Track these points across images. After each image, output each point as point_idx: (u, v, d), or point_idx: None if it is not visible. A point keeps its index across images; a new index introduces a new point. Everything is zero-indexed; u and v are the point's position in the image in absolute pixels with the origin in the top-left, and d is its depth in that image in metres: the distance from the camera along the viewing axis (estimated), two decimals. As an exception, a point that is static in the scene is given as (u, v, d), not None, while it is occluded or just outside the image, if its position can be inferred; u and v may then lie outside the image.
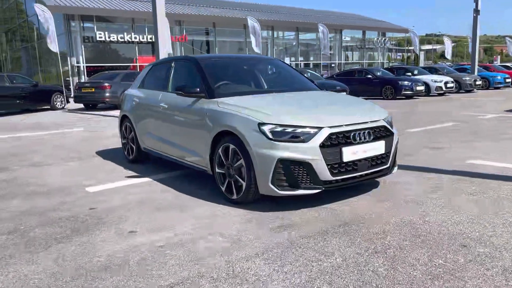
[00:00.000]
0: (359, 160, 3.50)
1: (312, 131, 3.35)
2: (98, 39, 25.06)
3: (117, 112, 10.38)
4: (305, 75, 5.79)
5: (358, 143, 3.47)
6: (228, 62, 5.26)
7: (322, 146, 3.32)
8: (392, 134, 3.78)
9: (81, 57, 24.83)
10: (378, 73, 17.68)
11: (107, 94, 14.23)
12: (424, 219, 3.12)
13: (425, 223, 3.03)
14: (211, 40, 30.65)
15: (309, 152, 3.30)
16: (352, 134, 3.46)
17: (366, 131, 3.54)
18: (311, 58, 38.17)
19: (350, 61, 40.16)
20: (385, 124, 3.75)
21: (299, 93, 4.53)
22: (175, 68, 4.91)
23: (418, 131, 7.55)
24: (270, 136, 3.34)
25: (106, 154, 6.23)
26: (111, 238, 2.95)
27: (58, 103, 15.56)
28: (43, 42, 23.84)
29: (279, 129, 3.37)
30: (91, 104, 15.32)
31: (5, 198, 4.10)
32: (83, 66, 24.88)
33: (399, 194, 3.78)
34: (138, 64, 25.75)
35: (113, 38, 25.55)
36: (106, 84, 14.25)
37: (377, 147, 3.61)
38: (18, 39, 34.08)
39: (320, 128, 3.37)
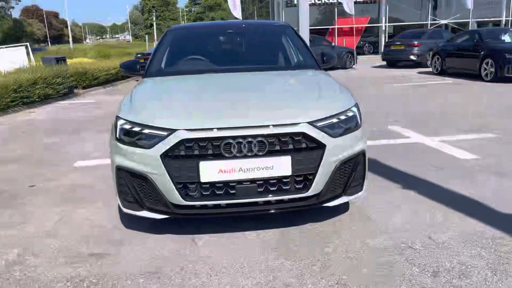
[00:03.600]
0: (238, 182, 2.55)
1: (162, 134, 2.53)
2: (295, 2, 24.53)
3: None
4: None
5: (235, 157, 2.50)
6: (205, 32, 4.61)
7: (167, 156, 2.50)
8: (321, 146, 2.59)
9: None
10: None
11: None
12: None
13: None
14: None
15: (148, 162, 2.54)
16: (224, 143, 2.48)
17: (255, 140, 2.48)
18: None
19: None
20: (310, 130, 2.56)
21: (253, 74, 3.57)
22: None
23: None
24: (117, 135, 2.72)
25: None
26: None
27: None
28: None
29: (127, 126, 2.68)
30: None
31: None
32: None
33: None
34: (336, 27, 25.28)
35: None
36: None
37: (275, 165, 2.53)
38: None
39: (173, 130, 2.51)
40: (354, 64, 17.20)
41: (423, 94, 9.41)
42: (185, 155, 2.51)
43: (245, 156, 2.50)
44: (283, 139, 2.55)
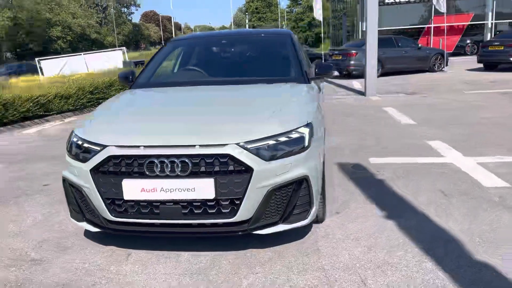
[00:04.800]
0: (162, 202, 2.47)
1: (96, 149, 2.57)
2: (387, 0, 23.58)
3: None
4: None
5: (158, 177, 2.43)
6: (202, 42, 4.60)
7: (97, 171, 2.52)
8: (248, 170, 2.41)
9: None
10: None
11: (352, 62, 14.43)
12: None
13: None
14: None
15: (82, 175, 2.59)
16: (148, 162, 2.44)
17: (178, 160, 2.41)
18: None
19: None
20: (237, 152, 2.40)
21: (227, 89, 3.45)
22: None
23: None
24: (69, 148, 2.79)
25: None
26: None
27: None
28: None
29: (75, 139, 2.76)
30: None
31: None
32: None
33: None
34: (433, 26, 21.80)
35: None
36: (353, 52, 14.41)
37: (196, 187, 2.41)
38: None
39: (104, 146, 2.54)
40: (444, 67, 15.70)
41: (497, 104, 8.23)
42: (112, 172, 2.52)
43: (167, 176, 2.43)
44: (208, 161, 2.43)
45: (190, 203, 2.48)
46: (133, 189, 2.47)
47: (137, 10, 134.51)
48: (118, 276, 2.55)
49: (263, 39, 4.43)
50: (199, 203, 2.48)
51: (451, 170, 4.25)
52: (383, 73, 14.71)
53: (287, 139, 2.56)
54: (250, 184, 2.43)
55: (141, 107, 3.25)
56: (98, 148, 2.56)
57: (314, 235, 2.95)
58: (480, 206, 3.29)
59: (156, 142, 2.50)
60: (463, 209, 3.27)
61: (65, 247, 2.96)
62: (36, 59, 17.68)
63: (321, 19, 16.31)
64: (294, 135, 2.60)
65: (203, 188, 2.42)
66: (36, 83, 11.41)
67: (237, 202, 2.46)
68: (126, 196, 2.49)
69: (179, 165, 2.42)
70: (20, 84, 12.15)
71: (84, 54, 17.22)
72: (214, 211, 2.49)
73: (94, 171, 2.55)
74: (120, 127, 2.80)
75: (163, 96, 3.51)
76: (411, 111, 7.76)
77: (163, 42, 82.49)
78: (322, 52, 16.82)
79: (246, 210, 2.47)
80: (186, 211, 2.49)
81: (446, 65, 15.91)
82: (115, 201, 2.56)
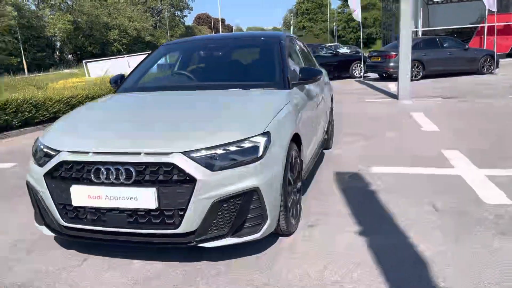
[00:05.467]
0: (106, 210, 2.44)
1: (52, 154, 2.57)
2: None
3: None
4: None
5: (103, 184, 2.39)
6: (192, 47, 4.50)
7: (51, 176, 2.53)
8: (192, 180, 2.31)
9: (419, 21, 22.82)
10: None
11: (391, 64, 13.64)
12: None
13: None
14: None
15: (38, 180, 2.61)
16: (95, 168, 2.41)
17: (122, 168, 2.36)
18: None
19: None
20: (181, 162, 2.31)
21: (204, 94, 3.39)
22: None
23: None
24: (33, 153, 2.78)
25: None
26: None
27: (357, 72, 16.07)
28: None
29: (38, 144, 2.77)
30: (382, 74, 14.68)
31: None
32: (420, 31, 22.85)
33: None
34: (486, 25, 20.09)
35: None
36: (393, 53, 13.56)
37: (138, 196, 2.34)
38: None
39: (58, 151, 2.54)
40: (494, 69, 14.64)
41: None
42: (63, 177, 2.52)
43: (112, 184, 2.40)
44: (151, 169, 2.37)
45: (135, 212, 2.42)
46: (81, 195, 2.45)
47: (189, 13, 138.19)
48: (67, 280, 2.54)
49: (251, 43, 4.32)
50: (143, 212, 2.41)
51: (455, 183, 3.90)
52: (425, 76, 13.98)
53: (237, 148, 2.45)
54: (193, 195, 2.33)
55: (105, 113, 3.24)
56: (54, 154, 2.58)
57: (276, 248, 2.80)
58: (469, 228, 2.97)
59: (105, 148, 2.48)
60: (449, 229, 2.96)
61: (35, 248, 3.00)
62: (84, 61, 18.66)
63: (359, 19, 15.75)
64: (247, 145, 2.47)
65: (145, 197, 2.35)
66: (76, 84, 11.94)
67: (181, 213, 2.37)
68: (75, 202, 2.48)
69: (124, 172, 2.38)
70: (69, 84, 12.82)
71: (127, 56, 17.92)
72: (158, 221, 2.41)
73: (48, 176, 2.57)
74: (76, 133, 2.81)
75: (131, 101, 3.49)
76: (440, 117, 7.27)
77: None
78: (362, 54, 16.25)
79: (190, 222, 2.38)
80: (131, 220, 2.44)
81: (497, 67, 14.84)
82: (66, 206, 2.55)
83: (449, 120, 6.93)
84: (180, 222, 2.38)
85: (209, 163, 2.37)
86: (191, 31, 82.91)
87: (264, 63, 3.90)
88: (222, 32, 72.29)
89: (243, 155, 2.45)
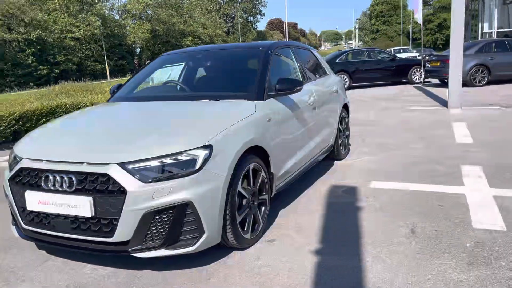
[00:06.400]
0: (54, 216, 2.58)
1: (17, 160, 2.78)
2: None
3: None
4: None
5: (50, 191, 2.55)
6: (186, 57, 4.56)
7: (13, 181, 2.75)
8: (123, 191, 2.37)
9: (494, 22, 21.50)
10: None
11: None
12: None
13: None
14: None
15: (6, 184, 2.84)
16: (45, 176, 2.58)
17: (66, 176, 2.50)
18: None
19: None
20: (115, 172, 2.40)
21: (179, 104, 3.44)
22: None
23: None
24: (9, 157, 3.02)
25: None
26: None
27: (417, 77, 15.40)
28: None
29: (12, 150, 2.98)
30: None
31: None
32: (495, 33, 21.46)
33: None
34: None
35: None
36: None
37: (78, 204, 2.46)
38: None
39: (21, 158, 2.75)
40: None
41: None
42: (21, 182, 2.72)
43: (58, 191, 2.55)
44: (90, 179, 2.49)
45: (77, 218, 2.54)
46: (33, 200, 2.63)
47: (261, 18, 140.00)
48: (27, 279, 2.73)
49: (238, 54, 4.28)
50: (83, 220, 2.52)
51: (454, 203, 3.55)
52: (491, 81, 12.84)
53: (173, 161, 2.48)
54: (124, 205, 2.40)
55: (73, 123, 3.41)
56: (18, 160, 2.79)
57: (222, 261, 2.76)
58: (436, 254, 2.70)
59: (54, 157, 2.63)
60: (412, 254, 2.71)
61: (12, 246, 3.26)
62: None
63: (420, 21, 14.86)
64: (184, 158, 2.50)
65: (82, 206, 2.47)
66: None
67: (115, 222, 2.45)
68: (28, 207, 2.67)
69: (67, 181, 2.52)
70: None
71: (187, 62, 18.67)
72: (96, 228, 2.51)
73: (12, 180, 2.79)
74: (38, 141, 3.00)
75: (102, 112, 3.63)
76: (483, 128, 6.65)
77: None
78: (421, 58, 15.30)
79: (123, 231, 2.45)
80: (75, 226, 2.56)
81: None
82: (24, 210, 2.74)
83: (490, 132, 6.31)
84: (115, 231, 2.45)
85: (143, 175, 2.42)
86: (263, 36, 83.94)
87: (243, 74, 3.88)
88: (286, 35, 72.07)
89: (179, 168, 2.47)
